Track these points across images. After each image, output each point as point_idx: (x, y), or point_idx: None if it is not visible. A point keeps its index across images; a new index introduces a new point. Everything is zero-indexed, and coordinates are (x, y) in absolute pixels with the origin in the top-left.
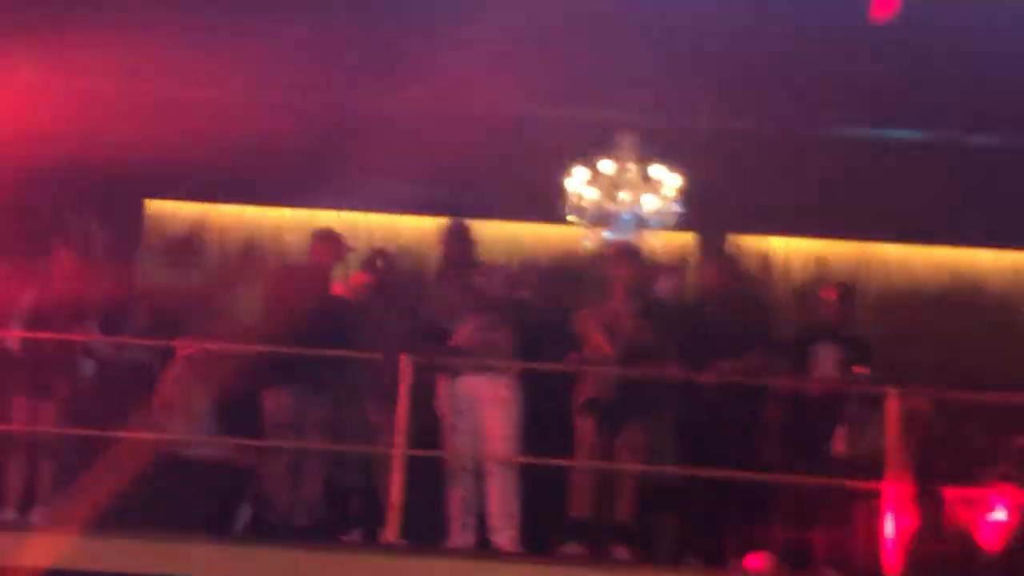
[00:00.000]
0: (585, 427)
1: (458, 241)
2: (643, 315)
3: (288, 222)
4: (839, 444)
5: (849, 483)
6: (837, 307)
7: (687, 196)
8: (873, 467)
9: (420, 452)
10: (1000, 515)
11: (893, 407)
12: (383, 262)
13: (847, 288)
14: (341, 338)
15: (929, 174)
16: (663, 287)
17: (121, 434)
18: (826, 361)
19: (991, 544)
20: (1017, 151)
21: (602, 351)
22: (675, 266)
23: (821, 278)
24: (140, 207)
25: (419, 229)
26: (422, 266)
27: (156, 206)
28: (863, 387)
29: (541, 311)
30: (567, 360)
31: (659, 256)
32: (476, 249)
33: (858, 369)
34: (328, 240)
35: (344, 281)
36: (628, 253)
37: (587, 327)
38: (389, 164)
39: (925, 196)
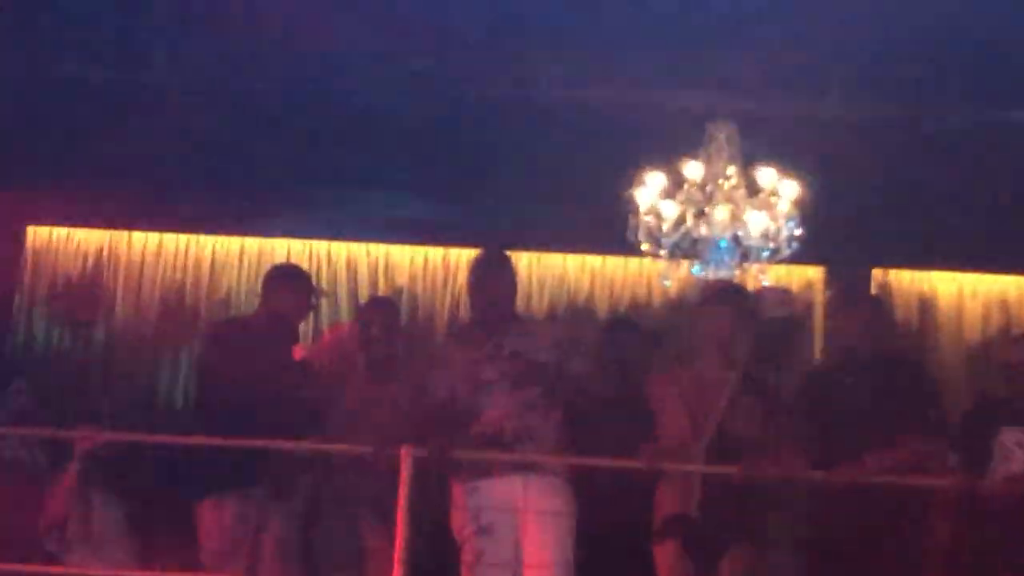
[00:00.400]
0: (667, 553)
1: (492, 282)
2: (749, 387)
3: (230, 255)
4: None
5: None
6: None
7: (813, 213)
8: None
9: None
10: None
11: None
12: (378, 314)
13: None
14: (311, 424)
15: None
16: (775, 348)
17: None
18: (1017, 452)
19: None
20: None
21: (686, 440)
22: (797, 319)
23: (1009, 330)
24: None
25: (425, 264)
26: (431, 318)
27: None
28: None
29: (603, 383)
30: (641, 454)
31: (771, 303)
32: (515, 294)
33: None
34: (292, 282)
35: (314, 341)
36: (726, 296)
37: (665, 403)
38: (380, 173)
39: None
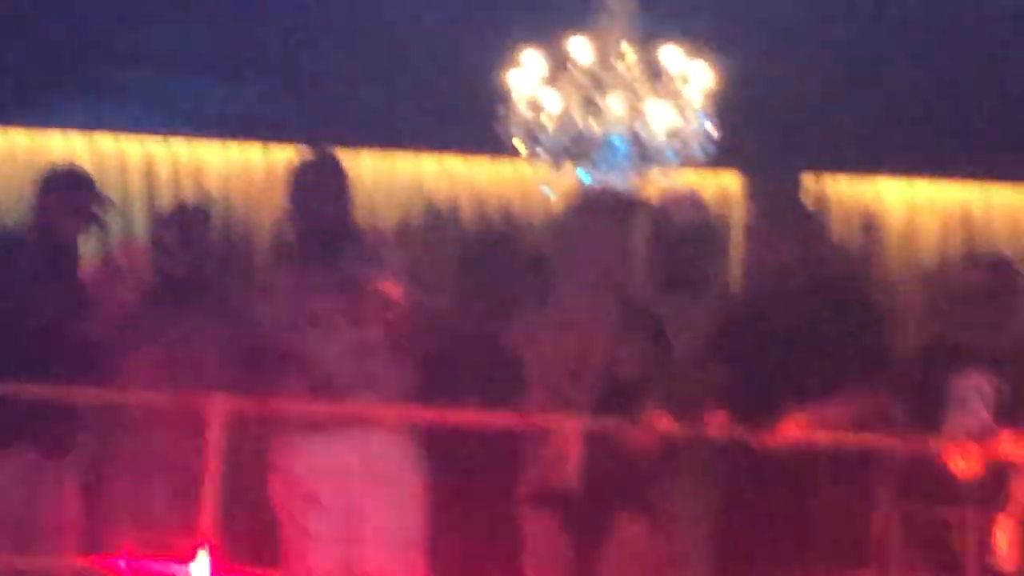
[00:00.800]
0: (540, 526)
1: (320, 189)
2: (639, 321)
3: None
4: (1006, 556)
5: None
6: (993, 300)
7: (730, 106)
8: None
9: (244, 568)
10: None
11: None
12: (178, 226)
13: (1009, 267)
14: (98, 361)
15: None
16: (681, 271)
17: None
18: (974, 401)
19: None
20: None
21: (564, 389)
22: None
23: (971, 250)
24: None
25: (243, 167)
26: (248, 235)
27: None
28: None
29: (464, 318)
30: (509, 408)
31: (677, 211)
32: (350, 206)
33: None
34: (68, 187)
35: (103, 259)
36: (613, 208)
37: (539, 344)
38: (188, 55)
39: None
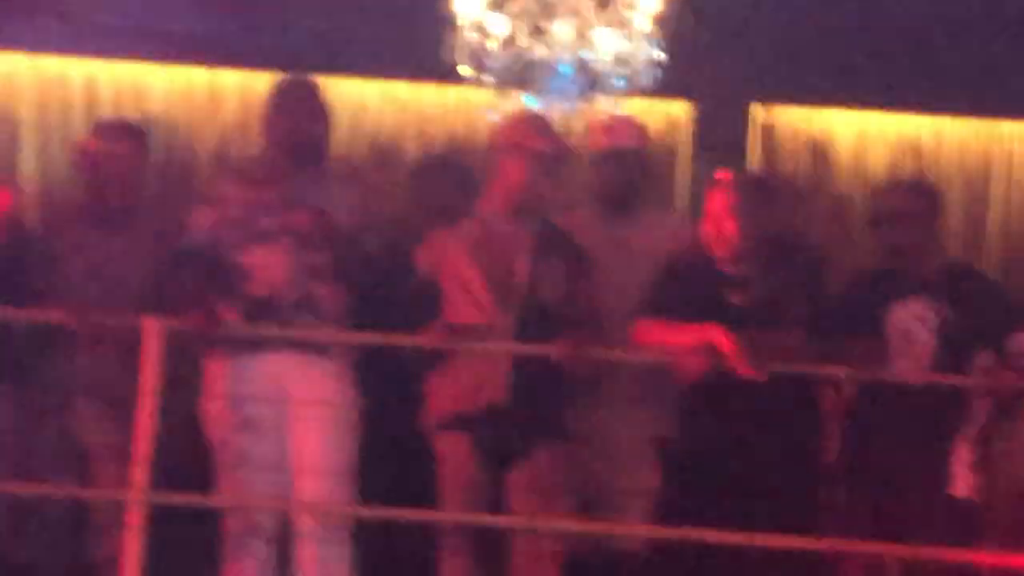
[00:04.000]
0: (456, 451)
1: (303, 113)
2: (554, 244)
3: None
4: (960, 481)
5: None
6: (923, 226)
7: (678, 32)
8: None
9: (175, 496)
10: None
11: None
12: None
13: (927, 188)
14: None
15: None
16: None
17: None
18: (915, 328)
19: None
20: None
21: (484, 311)
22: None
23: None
24: None
25: (186, 89)
26: (191, 157)
27: None
28: (990, 381)
29: (403, 240)
30: (428, 331)
31: (613, 134)
32: (328, 135)
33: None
34: None
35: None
36: (535, 127)
37: (454, 266)
38: None
39: None
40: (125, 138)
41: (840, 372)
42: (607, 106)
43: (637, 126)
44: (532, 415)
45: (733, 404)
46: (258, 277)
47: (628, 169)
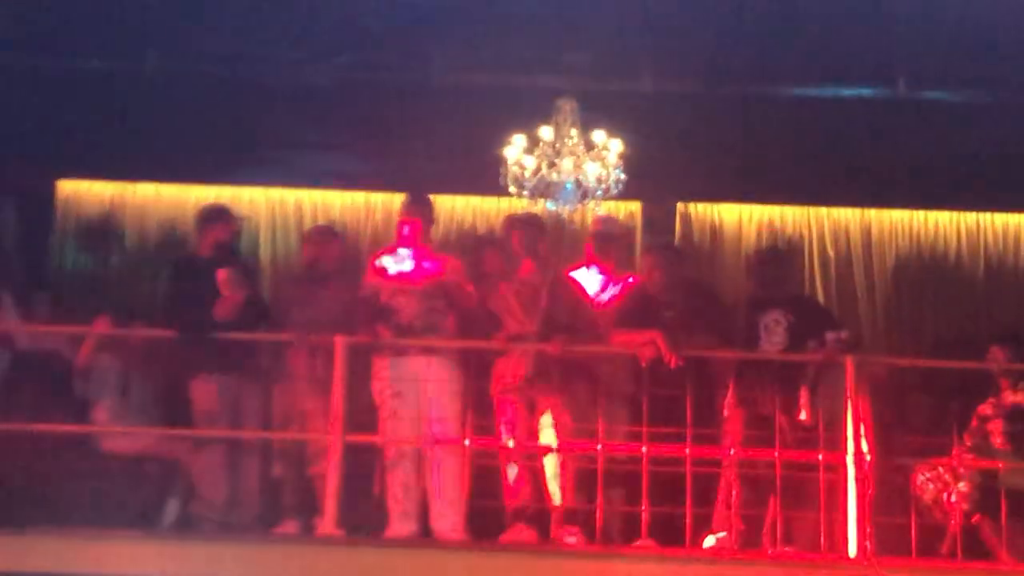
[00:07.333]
0: (511, 407)
1: (418, 215)
2: (564, 287)
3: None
4: (802, 410)
5: (809, 454)
6: (774, 269)
7: (633, 162)
8: (832, 438)
9: (359, 437)
10: (962, 486)
11: (851, 375)
12: (325, 235)
13: (779, 251)
14: (272, 319)
15: (887, 133)
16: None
17: (40, 427)
18: (774, 326)
19: (953, 515)
20: (974, 105)
21: (521, 326)
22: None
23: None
24: (51, 188)
25: (351, 205)
26: (356, 242)
27: (69, 187)
28: (818, 355)
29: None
30: (496, 339)
31: (603, 223)
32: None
33: (832, 336)
34: (217, 218)
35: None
36: (521, 221)
37: (507, 303)
38: (317, 135)
39: (883, 157)
40: (328, 234)
41: (728, 354)
42: (594, 207)
43: (614, 218)
44: (546, 385)
45: (666, 374)
46: (402, 312)
47: (612, 240)
